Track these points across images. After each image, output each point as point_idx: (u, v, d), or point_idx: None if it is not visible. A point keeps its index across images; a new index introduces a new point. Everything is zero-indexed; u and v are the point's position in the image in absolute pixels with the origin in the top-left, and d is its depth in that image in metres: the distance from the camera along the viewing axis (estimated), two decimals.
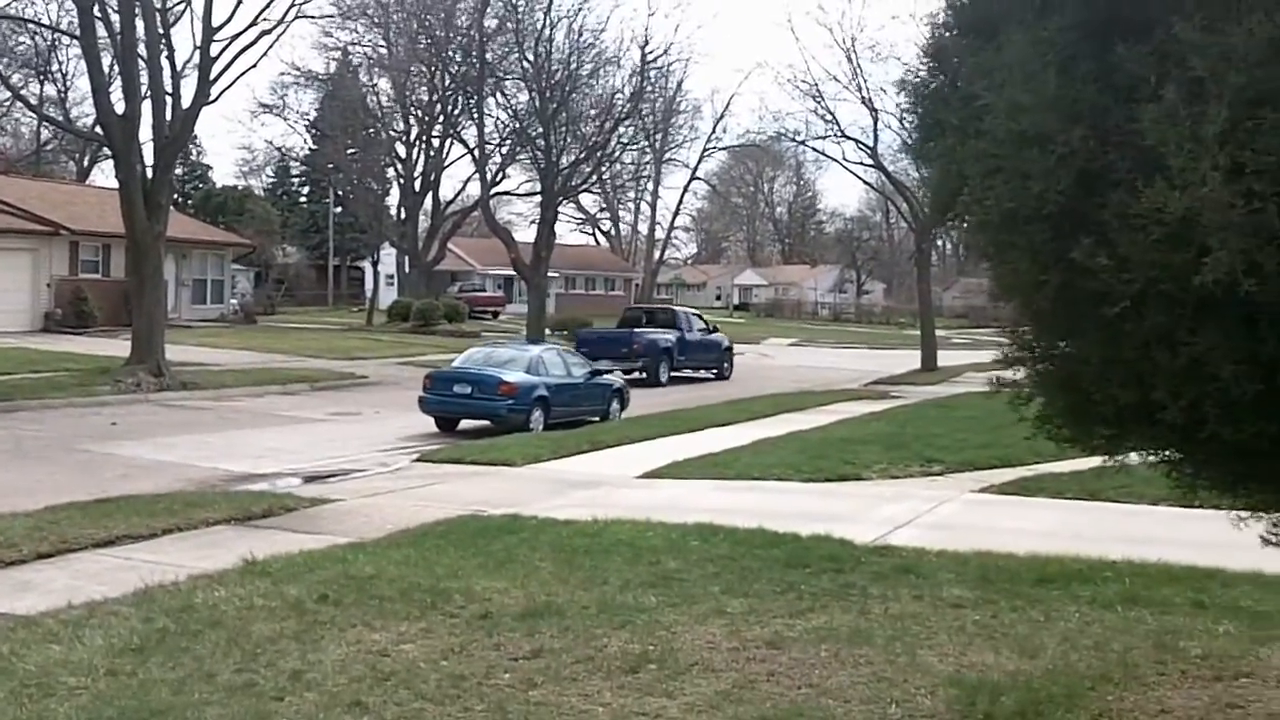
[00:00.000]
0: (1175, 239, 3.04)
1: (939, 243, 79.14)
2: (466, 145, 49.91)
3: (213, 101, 26.33)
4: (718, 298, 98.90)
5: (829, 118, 42.71)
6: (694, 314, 36.84)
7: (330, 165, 57.48)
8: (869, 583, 7.82)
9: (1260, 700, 5.47)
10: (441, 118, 51.89)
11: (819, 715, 5.22)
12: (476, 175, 47.30)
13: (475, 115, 45.76)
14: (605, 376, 22.47)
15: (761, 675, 5.81)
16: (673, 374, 32.00)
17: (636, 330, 32.19)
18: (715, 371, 34.11)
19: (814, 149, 49.22)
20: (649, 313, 36.11)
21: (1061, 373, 4.04)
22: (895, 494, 12.42)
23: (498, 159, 48.31)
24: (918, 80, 4.55)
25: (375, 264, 58.26)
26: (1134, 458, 4.28)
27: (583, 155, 43.49)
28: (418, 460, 15.45)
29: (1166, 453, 4.12)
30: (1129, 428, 3.86)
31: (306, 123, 60.59)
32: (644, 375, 30.46)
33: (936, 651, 6.22)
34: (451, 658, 6.08)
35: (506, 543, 9.13)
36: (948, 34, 4.38)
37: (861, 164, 46.81)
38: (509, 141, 47.34)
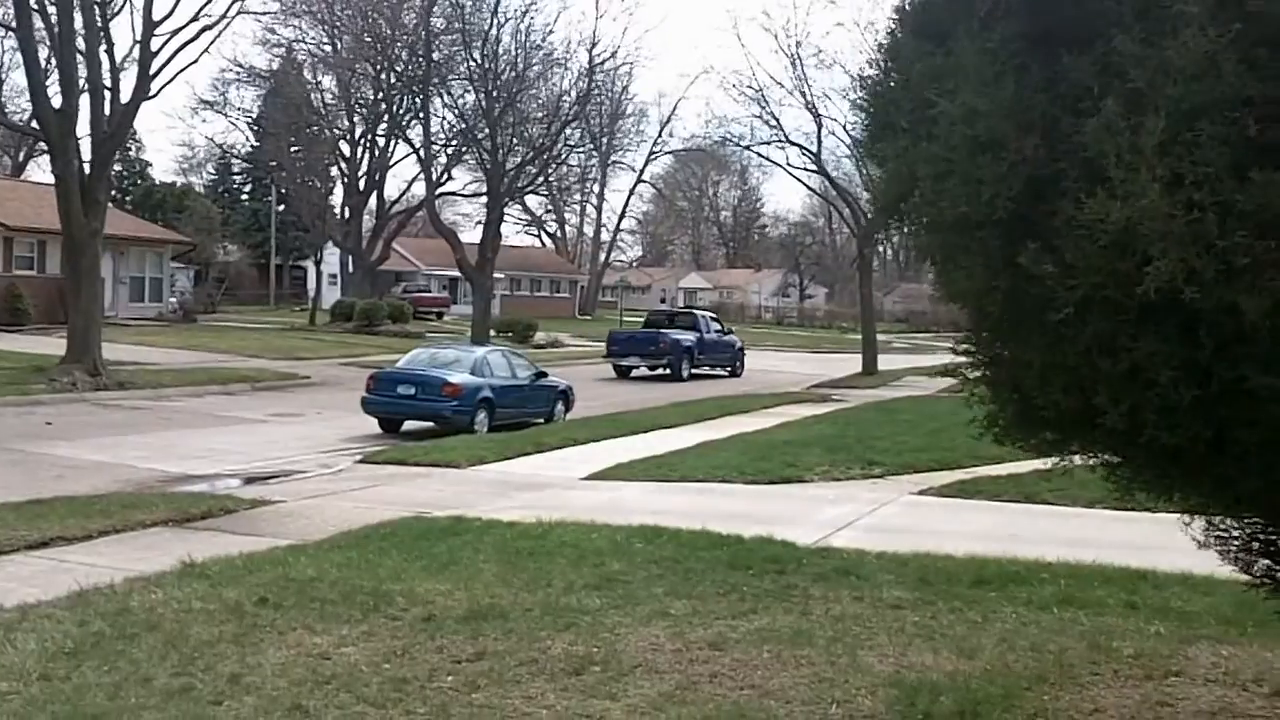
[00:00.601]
0: (1119, 247, 3.10)
1: (880, 248, 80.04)
2: (412, 145, 49.62)
3: (152, 97, 25.95)
4: (662, 300, 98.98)
5: (774, 123, 42.98)
6: (712, 318, 39.83)
7: (273, 163, 56.82)
8: (810, 584, 7.88)
9: (1188, 698, 5.59)
10: (387, 117, 51.49)
11: (761, 716, 5.25)
12: (422, 175, 47.05)
13: (421, 115, 45.55)
14: (550, 378, 22.42)
15: (704, 676, 5.84)
16: (693, 371, 35.31)
17: (663, 331, 35.90)
18: (729, 369, 37.30)
19: (759, 154, 49.65)
20: (671, 316, 39.70)
21: (1007, 377, 4.10)
22: (836, 496, 12.52)
23: (443, 159, 48.09)
24: (872, 79, 4.59)
25: (318, 263, 57.70)
26: (1077, 460, 4.35)
27: (529, 157, 43.42)
28: (360, 462, 15.33)
29: (1107, 456, 4.20)
30: (1071, 431, 3.93)
31: (248, 120, 59.94)
32: (669, 370, 34.38)
33: (876, 652, 6.28)
34: (394, 660, 6.04)
35: (450, 545, 9.09)
36: (902, 35, 4.42)
37: (805, 169, 47.29)
38: (455, 142, 47.16)
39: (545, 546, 9.01)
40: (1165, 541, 6.85)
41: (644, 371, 34.73)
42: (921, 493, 12.74)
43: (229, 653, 6.11)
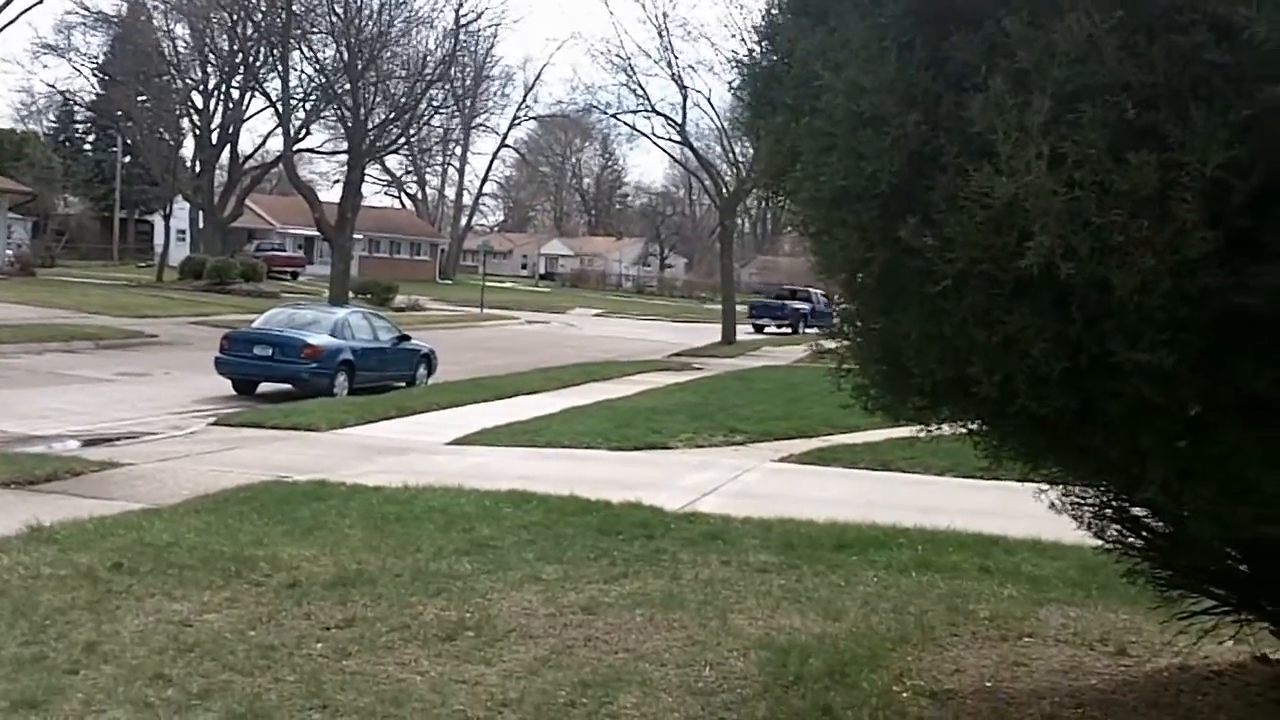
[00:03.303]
0: (998, 222, 3.20)
1: (740, 221, 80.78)
2: (269, 98, 48.08)
3: None
4: (523, 266, 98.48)
5: (640, 93, 43.16)
6: (821, 294, 48.80)
7: (119, 113, 54.34)
8: (679, 549, 7.98)
9: (1042, 658, 5.85)
10: (243, 68, 49.73)
11: (636, 679, 5.30)
12: (278, 130, 45.63)
13: (279, 68, 44.11)
14: (413, 341, 22.10)
15: (578, 640, 5.86)
16: (806, 330, 45.81)
17: (786, 302, 50.84)
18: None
19: (625, 123, 49.72)
20: (793, 292, 52.50)
21: (880, 346, 4.20)
22: (700, 463, 12.69)
23: (301, 114, 46.74)
24: (749, 58, 4.63)
25: (167, 218, 55.47)
26: (945, 429, 4.48)
27: (391, 116, 42.50)
28: (214, 424, 14.89)
29: (975, 425, 4.35)
30: (943, 399, 4.05)
31: (94, 66, 57.09)
32: (791, 330, 47.68)
33: (746, 615, 6.40)
34: (259, 627, 5.90)
35: (314, 509, 8.91)
36: (779, 15, 4.47)
37: (669, 139, 47.49)
38: (314, 97, 45.88)
39: (413, 511, 8.91)
40: (1014, 509, 7.15)
41: (773, 329, 48.66)
42: (782, 460, 13.00)
43: (83, 620, 5.88)
